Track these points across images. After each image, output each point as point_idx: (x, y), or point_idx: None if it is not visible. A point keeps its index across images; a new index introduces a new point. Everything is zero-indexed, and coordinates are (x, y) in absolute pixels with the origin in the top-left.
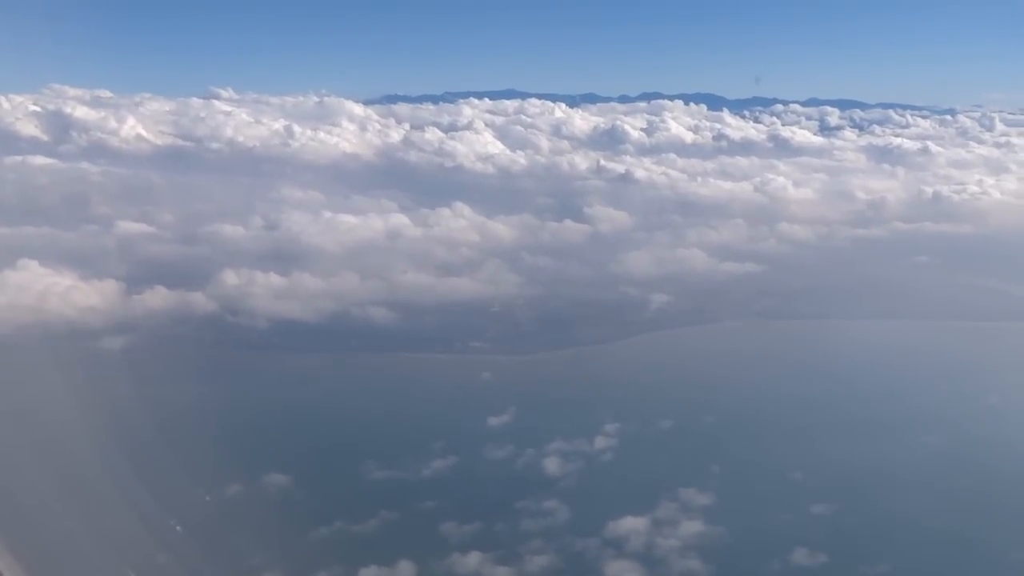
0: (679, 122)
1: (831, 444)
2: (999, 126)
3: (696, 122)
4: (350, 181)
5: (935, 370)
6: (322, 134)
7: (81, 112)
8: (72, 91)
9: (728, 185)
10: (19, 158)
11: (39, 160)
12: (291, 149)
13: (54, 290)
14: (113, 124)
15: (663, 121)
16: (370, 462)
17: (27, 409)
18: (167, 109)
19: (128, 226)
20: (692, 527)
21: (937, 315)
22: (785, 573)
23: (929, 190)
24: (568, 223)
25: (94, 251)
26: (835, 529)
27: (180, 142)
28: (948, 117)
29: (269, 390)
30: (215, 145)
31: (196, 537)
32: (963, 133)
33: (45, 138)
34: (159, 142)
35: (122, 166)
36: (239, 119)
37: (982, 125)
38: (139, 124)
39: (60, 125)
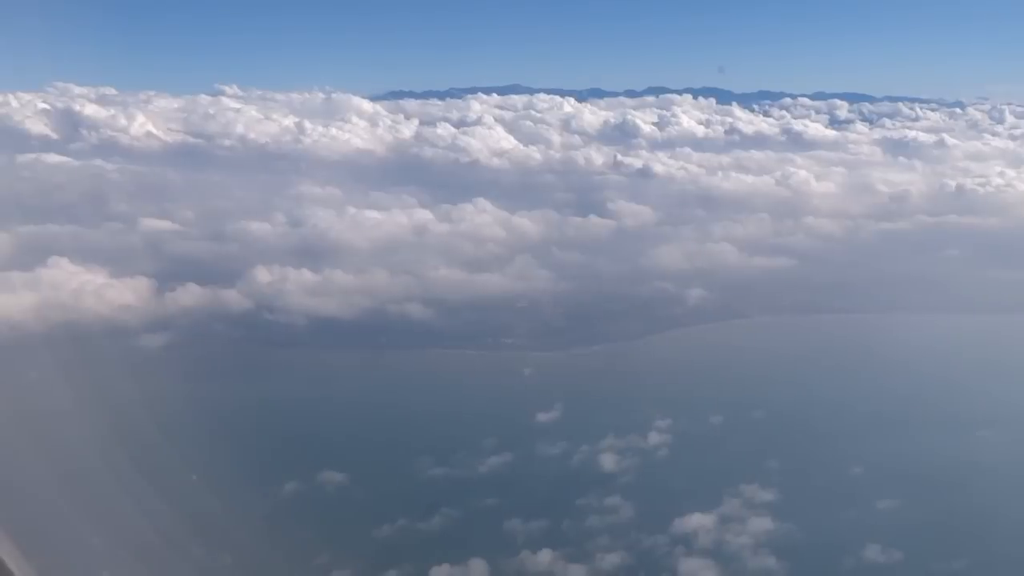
0: (689, 116)
1: (885, 439)
2: (1009, 118)
3: (706, 116)
4: (366, 177)
5: (978, 364)
6: (333, 130)
7: (90, 110)
8: (77, 88)
9: (749, 179)
10: (32, 156)
11: (52, 158)
12: (303, 145)
13: (87, 288)
14: (123, 122)
15: (674, 115)
16: (424, 459)
17: (74, 408)
18: (175, 106)
19: (152, 223)
20: (761, 524)
21: (971, 309)
22: (861, 571)
23: (952, 183)
24: (593, 218)
25: (121, 248)
26: (904, 525)
27: (191, 139)
28: (957, 110)
29: (312, 387)
30: (227, 142)
31: (261, 535)
32: (973, 126)
33: (55, 136)
34: (169, 139)
35: (135, 163)
36: (249, 116)
37: (992, 118)
38: (149, 121)
39: (69, 123)
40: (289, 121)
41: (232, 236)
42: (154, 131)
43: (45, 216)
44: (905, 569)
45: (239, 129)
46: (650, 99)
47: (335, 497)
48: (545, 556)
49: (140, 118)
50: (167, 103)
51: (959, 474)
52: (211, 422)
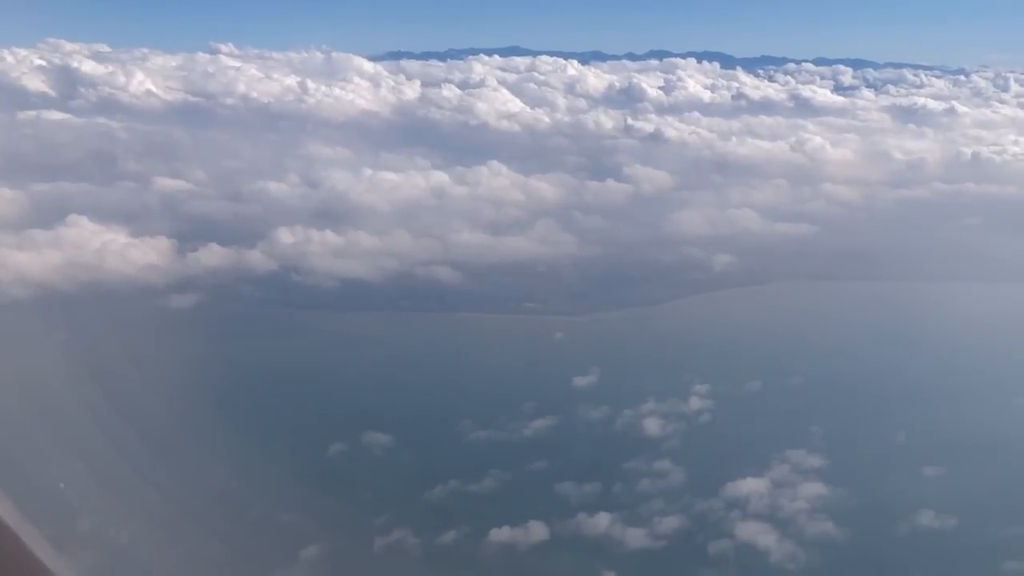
0: (695, 81)
1: (924, 406)
2: (1014, 87)
3: (711, 81)
4: (375, 138)
5: (1010, 334)
6: (336, 91)
7: (88, 67)
8: (68, 45)
9: (764, 145)
10: (33, 113)
11: (54, 115)
12: (307, 105)
13: (110, 247)
14: (121, 79)
15: (679, 80)
16: (466, 422)
17: (112, 369)
18: (172, 65)
19: (166, 182)
20: (813, 489)
21: (998, 278)
22: (917, 536)
23: (967, 151)
24: (610, 183)
25: (137, 208)
26: (953, 491)
27: (191, 98)
28: (961, 77)
29: (345, 349)
30: (228, 101)
31: (315, 495)
32: (978, 93)
33: (53, 93)
34: (169, 98)
35: (137, 121)
36: (250, 75)
37: (996, 86)
38: (148, 79)
39: (67, 80)
40: (291, 81)
41: (249, 196)
42: (153, 89)
43: (56, 174)
44: (961, 535)
45: (241, 88)
46: (653, 63)
47: (383, 459)
48: (602, 519)
49: (139, 76)
50: (163, 61)
51: (1003, 442)
52: (249, 384)
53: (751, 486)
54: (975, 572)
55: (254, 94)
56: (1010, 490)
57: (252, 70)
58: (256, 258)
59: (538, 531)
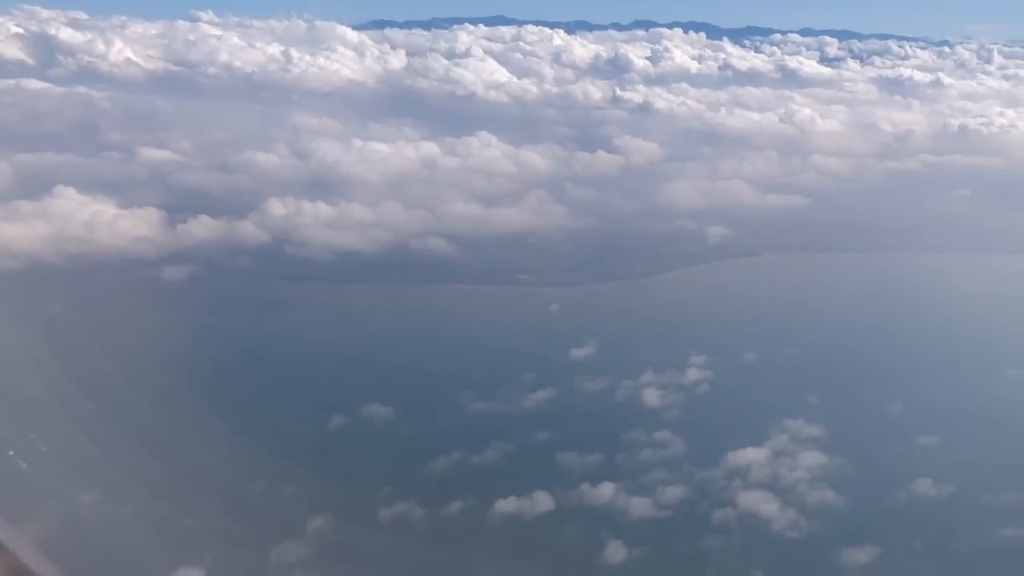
0: (681, 51)
1: (917, 377)
2: (998, 58)
3: (698, 52)
4: (361, 109)
5: (1000, 305)
6: (320, 60)
7: (66, 34)
8: (45, 12)
9: (753, 116)
10: (11, 81)
11: (33, 84)
12: (291, 75)
13: (99, 218)
14: (100, 47)
15: (666, 50)
16: (466, 394)
17: (108, 342)
18: (152, 33)
19: (151, 153)
20: (813, 458)
21: (987, 250)
22: (915, 504)
23: (954, 123)
24: (601, 154)
25: (123, 178)
26: (949, 460)
27: (172, 67)
28: (945, 49)
29: (341, 321)
30: (211, 70)
31: (319, 466)
32: (962, 65)
33: (31, 61)
34: (150, 66)
35: (118, 91)
36: (231, 43)
37: (980, 57)
38: (127, 48)
39: (45, 48)
40: (274, 49)
41: (237, 167)
42: (134, 58)
43: (39, 144)
44: (958, 503)
45: (223, 57)
46: (639, 33)
47: (384, 431)
48: (606, 489)
49: (118, 44)
50: (143, 29)
51: (996, 411)
52: (246, 356)
53: (751, 456)
54: (973, 539)
55: (237, 63)
56: (1004, 458)
57: (234, 38)
58: (248, 230)
59: (543, 501)
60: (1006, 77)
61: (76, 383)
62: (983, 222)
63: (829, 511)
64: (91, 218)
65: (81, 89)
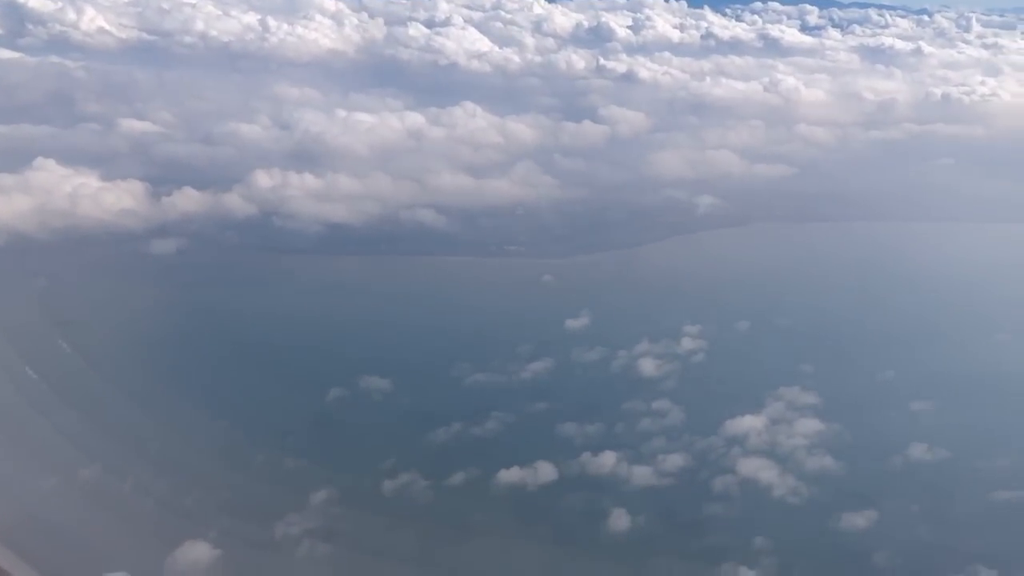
0: (664, 20)
1: (908, 344)
2: (976, 27)
3: (680, 20)
4: (342, 79)
5: (987, 273)
6: (299, 29)
7: (35, 2)
8: None
9: (739, 85)
10: None
11: (4, 54)
12: (269, 45)
13: (83, 192)
14: (71, 16)
15: (648, 19)
16: (462, 365)
17: (96, 317)
18: (124, 0)
19: (131, 124)
20: (810, 425)
21: (969, 217)
22: (911, 468)
23: (937, 92)
24: (587, 124)
25: (105, 150)
26: (942, 425)
27: (146, 36)
28: (925, 17)
29: (335, 294)
30: (186, 39)
31: (319, 439)
32: (941, 34)
33: (0, 31)
34: (123, 35)
35: (92, 60)
36: (206, 11)
37: (959, 26)
38: (99, 16)
39: (14, 16)
40: (250, 18)
41: (220, 139)
42: (106, 26)
43: (14, 116)
44: (952, 467)
45: (198, 26)
46: (620, 1)
47: (383, 403)
48: (608, 458)
49: (90, 12)
50: None
51: (987, 377)
52: (240, 330)
53: (749, 423)
54: (969, 502)
55: (213, 32)
56: (996, 423)
57: (209, 6)
58: (234, 202)
59: (546, 471)
60: (985, 46)
61: (66, 358)
62: (968, 191)
63: (828, 477)
64: (74, 191)
65: (54, 59)
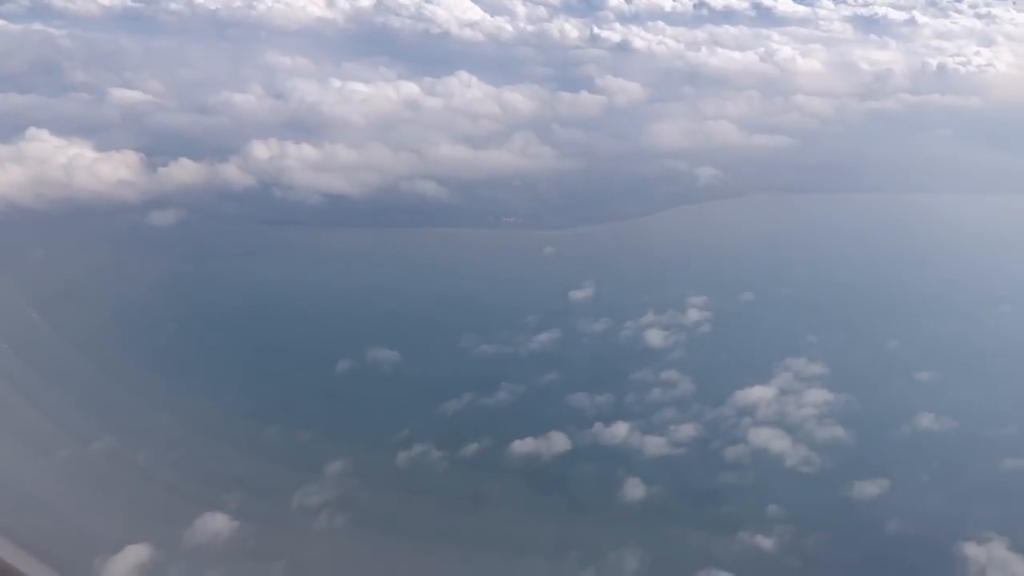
0: None
1: (911, 314)
2: None
3: None
4: (333, 47)
5: (987, 244)
6: None
7: None
8: None
9: (735, 55)
10: None
11: None
12: (257, 12)
13: (78, 162)
14: None
15: None
16: (469, 336)
17: (98, 290)
18: None
19: (122, 93)
20: (819, 395)
21: (968, 189)
22: (919, 438)
23: (932, 62)
24: (584, 94)
25: (97, 120)
26: (948, 395)
27: (131, 3)
28: None
29: (338, 266)
30: (173, 6)
31: (331, 411)
32: (933, 3)
33: None
34: (107, 3)
35: (77, 28)
36: None
37: None
38: None
39: None
40: None
41: (214, 108)
42: None
43: (1, 85)
44: (960, 436)
45: None
46: None
47: (393, 375)
48: (620, 428)
49: None
50: None
51: (990, 347)
52: (245, 302)
53: (758, 394)
54: (977, 470)
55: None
56: (1001, 392)
57: None
58: (232, 173)
59: (559, 441)
60: (979, 16)
61: (67, 330)
62: (967, 162)
63: (839, 446)
64: (70, 162)
65: (37, 26)
